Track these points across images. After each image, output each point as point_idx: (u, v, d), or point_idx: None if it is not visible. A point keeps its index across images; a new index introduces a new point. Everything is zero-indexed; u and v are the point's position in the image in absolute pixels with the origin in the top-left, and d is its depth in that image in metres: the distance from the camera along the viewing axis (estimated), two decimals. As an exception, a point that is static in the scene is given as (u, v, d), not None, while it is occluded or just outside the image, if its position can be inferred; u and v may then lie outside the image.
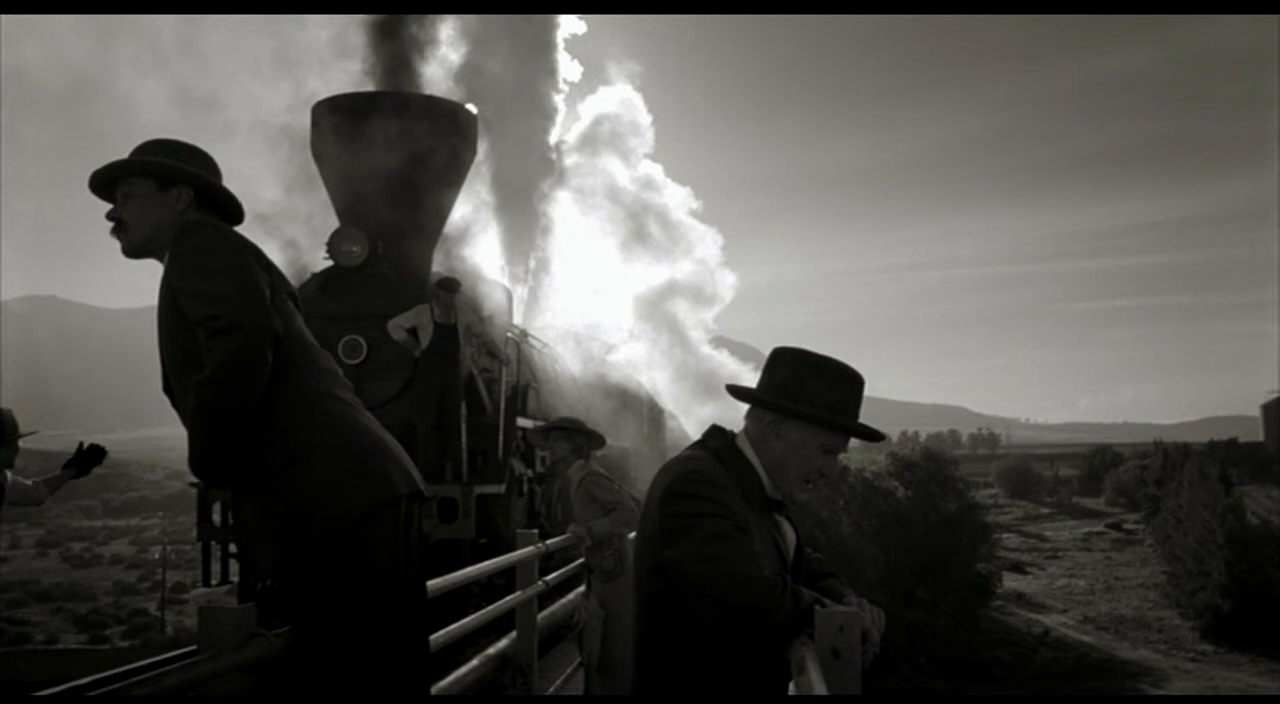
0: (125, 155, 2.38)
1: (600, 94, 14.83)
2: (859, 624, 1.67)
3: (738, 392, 2.19)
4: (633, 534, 5.28)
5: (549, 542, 4.90)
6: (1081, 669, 26.13)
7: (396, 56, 9.60)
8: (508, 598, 4.49)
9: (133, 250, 2.36)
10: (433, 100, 9.12)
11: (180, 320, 2.20)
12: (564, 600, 5.53)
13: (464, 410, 7.96)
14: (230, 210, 2.44)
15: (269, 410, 2.15)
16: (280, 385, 2.17)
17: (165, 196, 2.33)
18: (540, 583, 4.65)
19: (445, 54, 10.30)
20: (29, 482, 5.16)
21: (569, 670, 5.50)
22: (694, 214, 18.37)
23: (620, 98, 15.07)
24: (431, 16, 9.88)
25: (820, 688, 1.39)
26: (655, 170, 18.52)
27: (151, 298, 2.32)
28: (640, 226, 16.51)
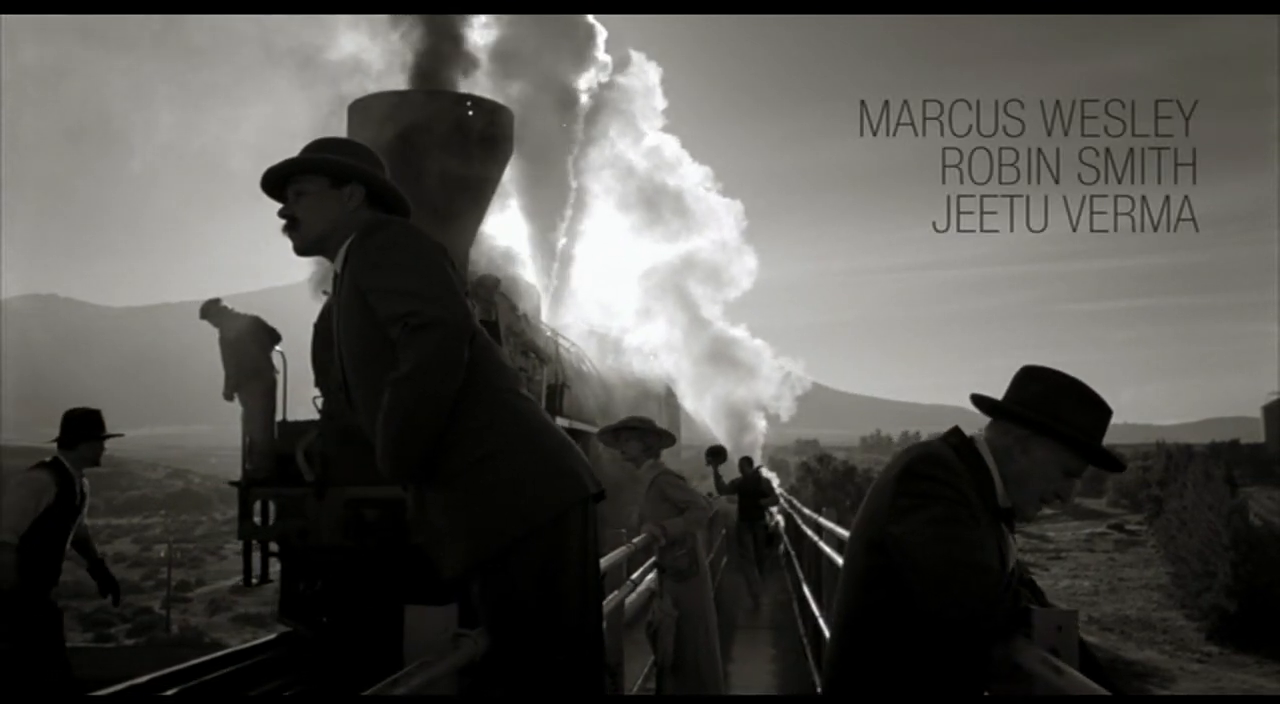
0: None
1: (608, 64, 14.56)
2: (1076, 625, 1.69)
3: (985, 402, 2.17)
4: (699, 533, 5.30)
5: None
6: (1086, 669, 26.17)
7: (434, 55, 9.59)
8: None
9: (305, 248, 2.35)
10: (471, 99, 9.11)
11: (367, 318, 2.18)
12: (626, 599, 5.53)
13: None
14: (399, 208, 2.42)
15: (459, 408, 2.12)
16: (470, 382, 2.14)
17: (338, 194, 2.32)
18: (629, 582, 4.65)
19: (477, 43, 10.28)
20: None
21: (644, 670, 5.50)
22: (714, 189, 18.27)
23: (631, 66, 14.79)
24: (467, 16, 9.88)
25: (1077, 688, 1.39)
26: (670, 142, 18.38)
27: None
28: (651, 198, 16.44)
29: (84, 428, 5.06)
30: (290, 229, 2.33)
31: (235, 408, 8.71)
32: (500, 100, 9.95)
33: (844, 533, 5.07)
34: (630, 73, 14.65)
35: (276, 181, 2.36)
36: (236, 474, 8.52)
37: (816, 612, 6.52)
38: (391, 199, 2.40)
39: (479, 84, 10.12)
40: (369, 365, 2.20)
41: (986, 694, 1.99)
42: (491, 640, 1.96)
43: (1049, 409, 2.06)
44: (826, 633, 5.67)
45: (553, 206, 11.87)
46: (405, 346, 2.07)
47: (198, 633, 34.40)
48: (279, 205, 2.35)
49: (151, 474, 78.45)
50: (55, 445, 5.05)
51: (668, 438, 5.16)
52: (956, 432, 2.14)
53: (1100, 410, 2.09)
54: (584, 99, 12.68)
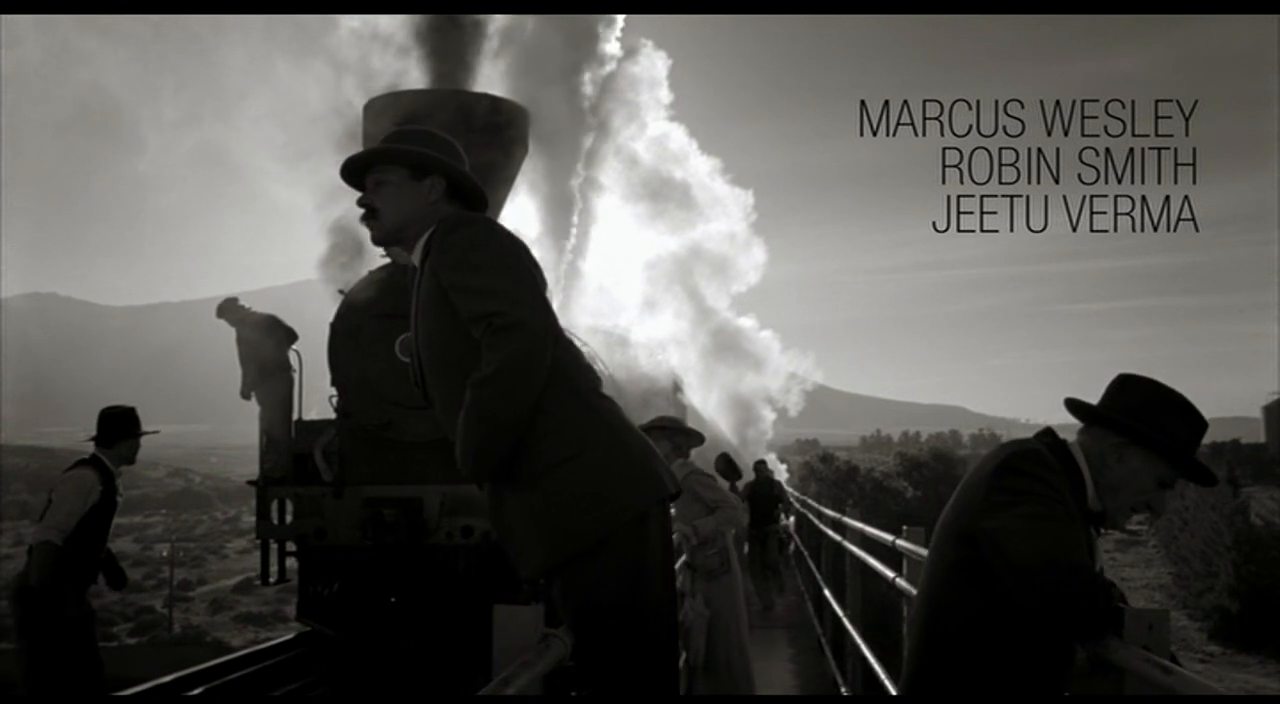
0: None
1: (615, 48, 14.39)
2: (1169, 625, 1.70)
3: (1080, 407, 2.17)
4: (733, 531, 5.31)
5: None
6: (1091, 670, 26.17)
7: (450, 54, 9.57)
8: None
9: (383, 238, 2.35)
10: (490, 100, 9.10)
11: (448, 315, 2.17)
12: None
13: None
14: (478, 202, 2.41)
15: (542, 409, 2.11)
16: (552, 383, 2.12)
17: (419, 186, 2.30)
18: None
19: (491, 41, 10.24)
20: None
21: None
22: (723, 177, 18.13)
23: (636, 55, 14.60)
24: (481, 16, 9.86)
25: (1188, 687, 1.39)
26: (676, 131, 18.24)
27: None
28: (658, 190, 16.33)
29: (122, 426, 5.08)
30: (369, 218, 2.32)
31: (233, 407, 8.71)
32: (511, 92, 9.91)
33: (874, 532, 5.08)
34: (639, 61, 14.48)
35: (357, 170, 2.35)
36: (236, 473, 8.54)
37: (839, 611, 6.53)
38: (471, 193, 2.39)
39: (488, 75, 10.06)
40: (448, 362, 2.20)
41: (1067, 694, 1.99)
42: (576, 641, 1.95)
43: (1148, 418, 2.05)
44: (852, 631, 5.68)
45: (562, 206, 11.84)
46: (490, 348, 2.07)
47: (199, 632, 34.45)
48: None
49: (152, 473, 78.42)
50: (93, 444, 5.06)
51: (696, 437, 5.16)
52: (1050, 432, 2.14)
53: (1198, 422, 2.09)
54: (589, 89, 12.58)
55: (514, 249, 2.21)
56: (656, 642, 2.13)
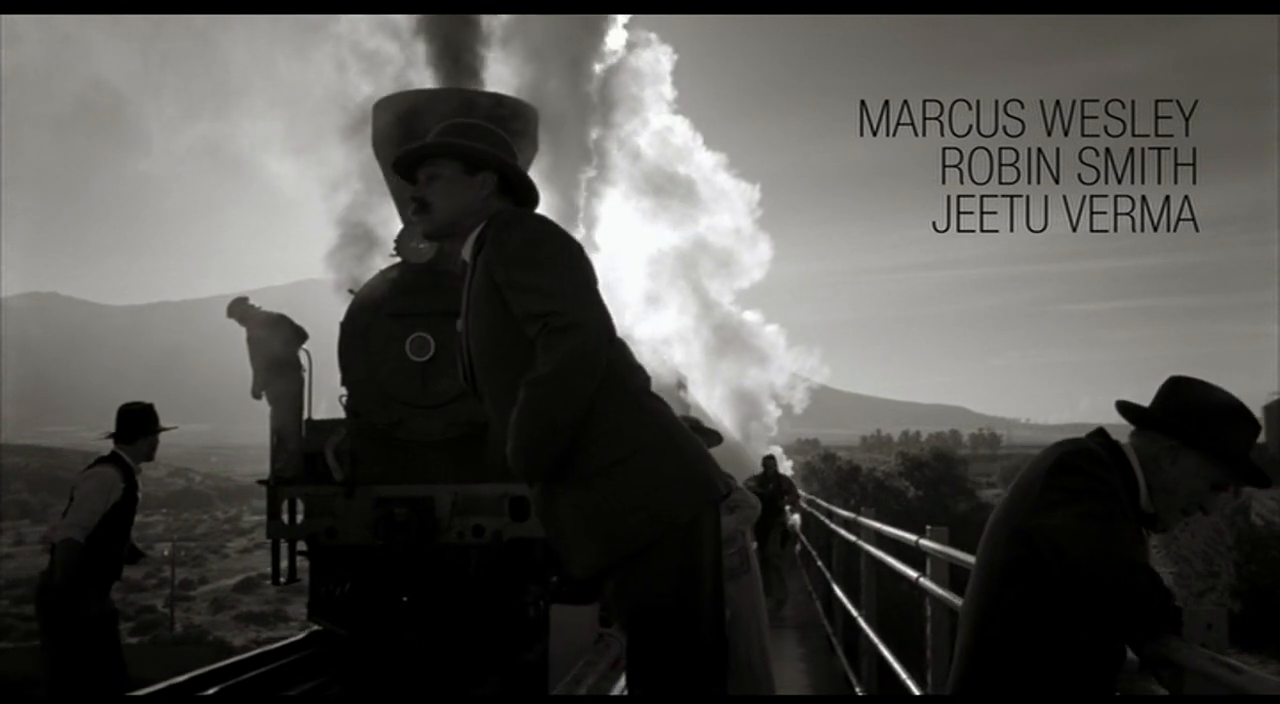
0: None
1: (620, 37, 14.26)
2: (1227, 624, 1.69)
3: (1132, 410, 2.16)
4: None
5: None
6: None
7: (456, 53, 9.56)
8: None
9: (435, 232, 2.34)
10: (498, 99, 9.09)
11: (500, 312, 2.15)
12: None
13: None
14: (530, 198, 2.38)
15: (596, 408, 2.10)
16: (606, 383, 2.11)
17: (471, 181, 2.29)
18: None
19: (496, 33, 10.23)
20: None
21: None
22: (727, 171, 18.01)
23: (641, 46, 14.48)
24: (486, 16, 9.84)
25: (1261, 686, 1.38)
26: (680, 123, 18.12)
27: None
28: (662, 185, 16.20)
29: (141, 422, 5.06)
30: (420, 212, 2.32)
31: (233, 407, 8.73)
32: (517, 84, 9.90)
33: (896, 533, 5.07)
34: (642, 54, 14.36)
35: (410, 164, 2.33)
36: (237, 472, 8.55)
37: (853, 610, 6.53)
38: (523, 189, 2.37)
39: (494, 67, 10.04)
40: (500, 360, 2.18)
41: (1118, 694, 1.99)
42: (629, 641, 1.94)
43: (1201, 420, 2.06)
44: (867, 629, 5.68)
45: (568, 202, 11.81)
46: (546, 347, 2.05)
47: (200, 631, 34.45)
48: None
49: (152, 472, 78.44)
50: (111, 441, 5.04)
51: (714, 436, 5.13)
52: (1103, 433, 2.14)
53: (1251, 425, 2.09)
54: (594, 82, 12.54)
55: (571, 247, 2.20)
56: (706, 643, 2.12)
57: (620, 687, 2.02)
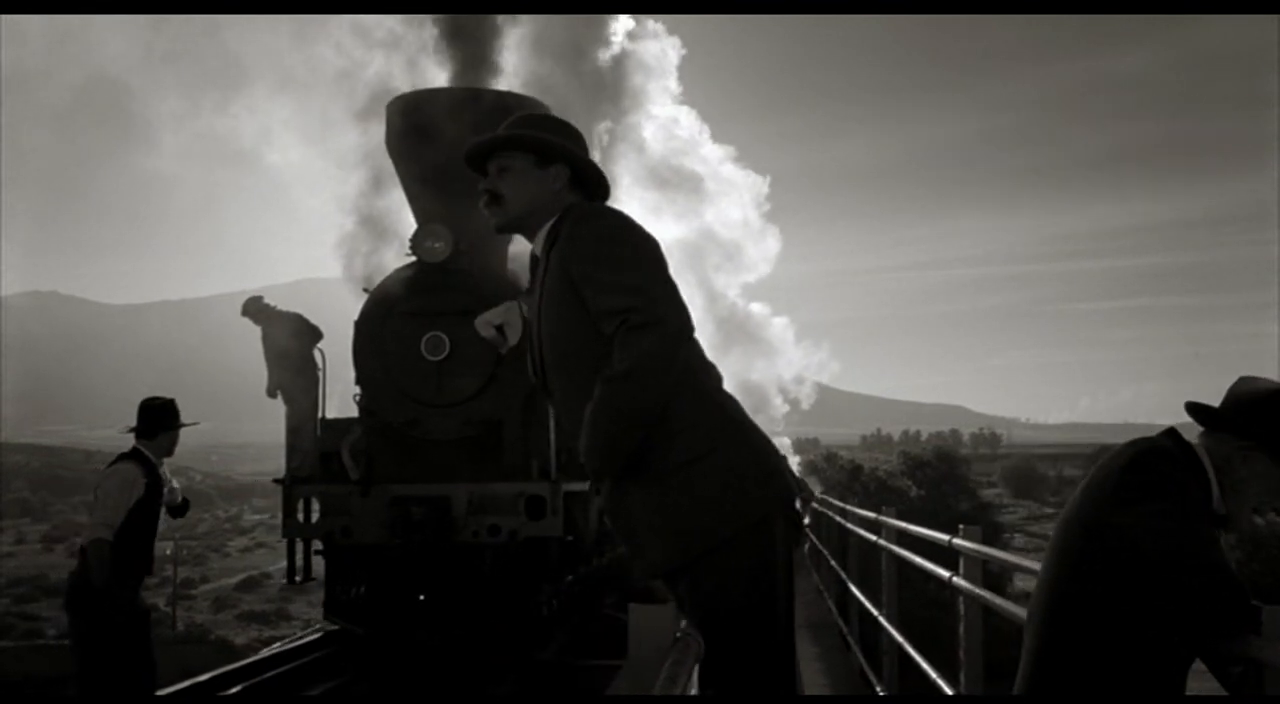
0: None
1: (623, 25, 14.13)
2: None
3: (1202, 411, 2.15)
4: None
5: None
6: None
7: (469, 52, 9.56)
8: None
9: (507, 225, 2.30)
10: (511, 97, 9.09)
11: (575, 307, 2.14)
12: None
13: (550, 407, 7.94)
14: (601, 192, 2.35)
15: (672, 406, 2.08)
16: (681, 380, 2.09)
17: (544, 174, 2.26)
18: None
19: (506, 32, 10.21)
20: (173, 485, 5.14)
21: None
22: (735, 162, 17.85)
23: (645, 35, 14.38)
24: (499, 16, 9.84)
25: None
26: (686, 114, 17.99)
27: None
28: (667, 175, 16.06)
29: (162, 417, 5.04)
30: (492, 204, 2.28)
31: (234, 406, 8.74)
32: (523, 75, 9.89)
33: (925, 532, 5.07)
34: (647, 43, 14.22)
35: (481, 156, 2.30)
36: (238, 471, 8.55)
37: (873, 609, 6.53)
38: (595, 183, 2.34)
39: (500, 69, 10.04)
40: (573, 355, 2.17)
41: (1187, 695, 1.99)
42: (704, 641, 1.94)
43: (1273, 421, 2.05)
44: (889, 627, 5.69)
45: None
46: (623, 345, 2.03)
47: (202, 630, 34.44)
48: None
49: (153, 471, 78.17)
50: (133, 436, 5.02)
51: None
52: (1174, 432, 2.14)
53: None
54: (601, 72, 12.50)
55: (650, 243, 2.18)
56: (778, 643, 2.11)
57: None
